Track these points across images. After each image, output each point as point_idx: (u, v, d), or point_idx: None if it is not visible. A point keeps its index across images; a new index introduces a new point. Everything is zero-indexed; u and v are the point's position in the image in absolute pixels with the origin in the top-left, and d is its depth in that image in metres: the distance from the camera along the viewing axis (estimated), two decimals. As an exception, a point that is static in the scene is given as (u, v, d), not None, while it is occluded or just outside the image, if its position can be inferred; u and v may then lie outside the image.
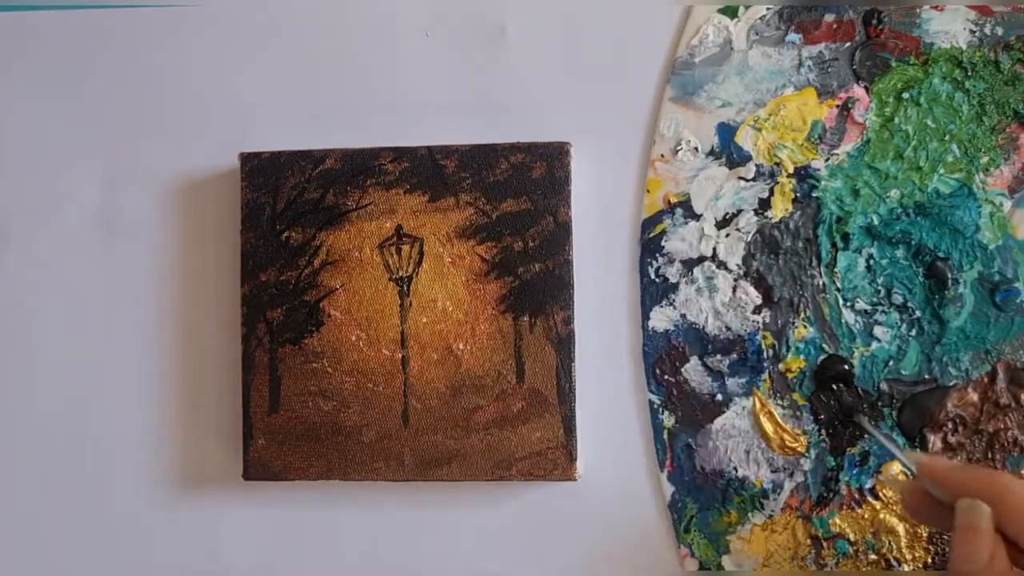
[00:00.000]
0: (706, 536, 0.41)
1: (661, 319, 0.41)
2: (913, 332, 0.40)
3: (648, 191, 0.42)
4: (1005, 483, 0.31)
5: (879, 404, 0.40)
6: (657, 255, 0.41)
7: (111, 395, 0.44)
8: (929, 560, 0.40)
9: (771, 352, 0.41)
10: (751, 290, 0.41)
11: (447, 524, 0.42)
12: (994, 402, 0.40)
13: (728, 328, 0.41)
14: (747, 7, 0.41)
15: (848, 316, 0.40)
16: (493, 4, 0.43)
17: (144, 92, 0.44)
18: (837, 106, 0.41)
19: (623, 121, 0.42)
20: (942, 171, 0.40)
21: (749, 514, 0.40)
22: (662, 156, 0.42)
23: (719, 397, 0.41)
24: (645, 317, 0.41)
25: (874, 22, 0.41)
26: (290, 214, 0.41)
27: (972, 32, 0.40)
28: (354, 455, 0.41)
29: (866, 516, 0.40)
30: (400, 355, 0.41)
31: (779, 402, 0.40)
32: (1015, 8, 0.40)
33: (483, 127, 0.42)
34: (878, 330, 0.40)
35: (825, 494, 0.40)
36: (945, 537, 0.39)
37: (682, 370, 0.41)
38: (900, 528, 0.40)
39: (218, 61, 0.44)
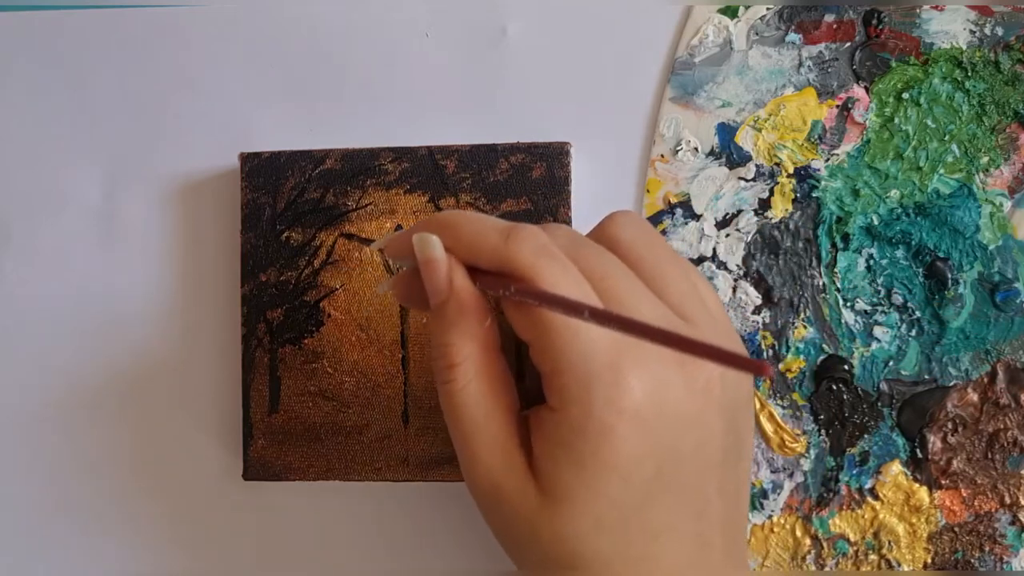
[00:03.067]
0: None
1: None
2: (913, 332, 0.40)
3: (648, 191, 0.42)
4: (444, 214, 0.32)
5: (879, 404, 0.40)
6: (657, 255, 0.41)
7: (110, 395, 0.44)
8: (929, 560, 0.40)
9: (771, 352, 0.41)
10: (751, 290, 0.41)
11: (447, 524, 0.42)
12: (994, 402, 0.40)
13: (728, 328, 0.41)
14: (747, 7, 0.41)
15: (848, 316, 0.40)
16: (493, 4, 0.43)
17: (144, 92, 0.44)
18: (837, 106, 0.41)
19: (623, 121, 0.42)
20: (942, 171, 0.40)
21: (749, 514, 0.40)
22: (662, 156, 0.42)
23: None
24: (645, 317, 0.41)
25: (874, 22, 0.41)
26: (290, 214, 0.41)
27: (972, 32, 0.40)
28: (354, 455, 0.41)
29: (866, 516, 0.40)
30: (400, 355, 0.41)
31: (779, 402, 0.40)
32: (1015, 8, 0.40)
33: (483, 127, 0.42)
34: (878, 330, 0.40)
35: (825, 494, 0.40)
36: (945, 537, 0.40)
37: (682, 370, 0.41)
38: (900, 528, 0.40)
39: (218, 61, 0.44)
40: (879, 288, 0.40)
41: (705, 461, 0.31)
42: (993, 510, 0.39)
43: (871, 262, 0.41)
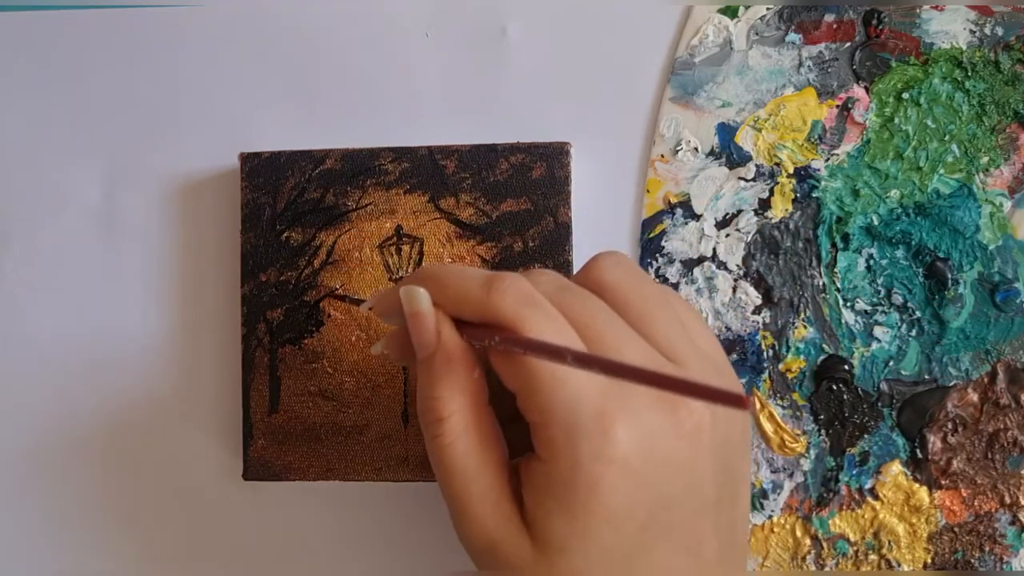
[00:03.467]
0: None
1: (661, 319, 0.41)
2: (913, 332, 0.40)
3: (648, 191, 0.42)
4: (429, 268, 0.32)
5: (879, 404, 0.40)
6: (657, 255, 0.42)
7: (110, 395, 0.44)
8: (929, 560, 0.40)
9: (771, 352, 0.41)
10: (751, 290, 0.41)
11: (447, 524, 0.42)
12: (994, 402, 0.40)
13: (728, 328, 0.41)
14: (747, 7, 0.41)
15: (848, 316, 0.40)
16: (493, 4, 0.43)
17: (144, 92, 0.44)
18: (837, 106, 0.41)
19: (623, 121, 0.42)
20: (942, 171, 0.40)
21: (749, 514, 0.40)
22: (662, 156, 0.42)
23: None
24: (645, 317, 0.41)
25: (874, 22, 0.41)
26: (290, 214, 0.41)
27: (972, 32, 0.40)
28: (354, 455, 0.41)
29: (866, 516, 0.40)
30: (400, 355, 0.41)
31: (779, 402, 0.41)
32: (1015, 8, 0.40)
33: (483, 127, 0.42)
34: (878, 330, 0.40)
35: (825, 494, 0.40)
36: (945, 537, 0.40)
37: (682, 370, 0.41)
38: (900, 528, 0.40)
39: (218, 61, 0.44)
40: (879, 288, 0.40)
41: (698, 503, 0.30)
42: (993, 510, 0.39)
43: (871, 262, 0.41)
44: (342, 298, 0.40)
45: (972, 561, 0.39)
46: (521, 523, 0.30)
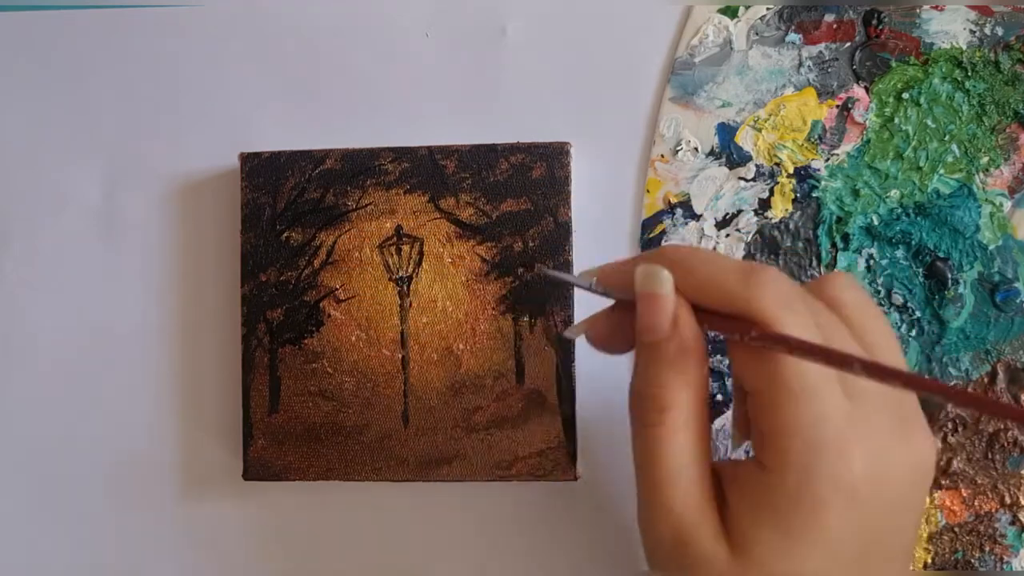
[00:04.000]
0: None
1: (661, 319, 0.41)
2: (913, 332, 0.40)
3: (648, 191, 0.42)
4: (676, 249, 0.31)
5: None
6: (657, 255, 0.41)
7: (110, 395, 0.44)
8: (929, 560, 0.40)
9: (771, 352, 0.41)
10: (751, 290, 0.41)
11: (447, 524, 0.42)
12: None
13: (728, 328, 0.41)
14: (747, 7, 0.41)
15: (848, 316, 0.40)
16: (493, 4, 0.43)
17: (144, 92, 0.44)
18: (837, 106, 0.41)
19: (623, 121, 0.42)
20: (942, 171, 0.40)
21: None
22: (662, 156, 0.42)
23: (719, 397, 0.41)
24: (645, 317, 0.41)
25: (874, 22, 0.41)
26: (290, 214, 0.41)
27: (972, 32, 0.40)
28: (354, 455, 0.41)
29: (866, 516, 0.40)
30: (400, 355, 0.41)
31: (779, 402, 0.40)
32: (1015, 8, 0.40)
33: (483, 127, 0.42)
34: (878, 330, 0.40)
35: (825, 494, 0.40)
36: (945, 537, 0.39)
37: (682, 370, 0.41)
38: (900, 528, 0.40)
39: (218, 61, 0.44)
40: (879, 288, 0.40)
41: (905, 541, 0.30)
42: (993, 510, 0.39)
43: (871, 262, 0.41)
44: (547, 275, 0.37)
45: (972, 561, 0.39)
46: (720, 525, 0.29)
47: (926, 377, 0.26)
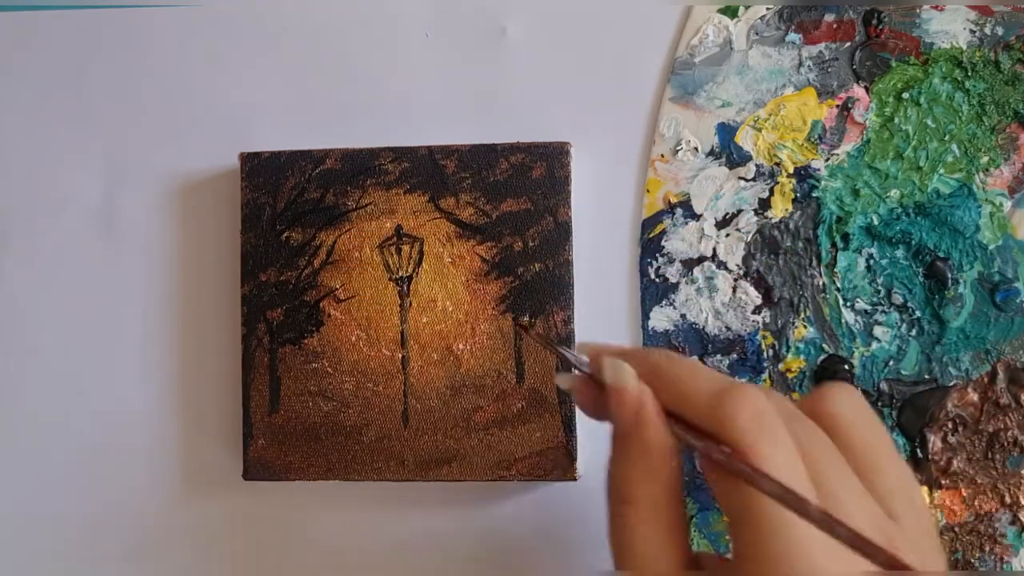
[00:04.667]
0: (706, 536, 0.41)
1: (661, 319, 0.41)
2: (913, 332, 0.40)
3: (648, 191, 0.42)
4: (660, 356, 0.30)
5: (879, 404, 0.40)
6: (657, 255, 0.41)
7: (110, 395, 0.44)
8: (929, 560, 0.40)
9: (771, 352, 0.41)
10: (751, 290, 0.41)
11: (447, 524, 0.42)
12: (994, 402, 0.40)
13: (728, 328, 0.41)
14: (747, 7, 0.41)
15: (848, 316, 0.40)
16: (493, 4, 0.43)
17: (144, 92, 0.44)
18: (837, 106, 0.41)
19: (623, 121, 0.42)
20: (942, 171, 0.40)
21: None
22: (662, 156, 0.42)
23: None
24: (645, 317, 0.41)
25: (874, 22, 0.41)
26: (290, 214, 0.41)
27: (972, 32, 0.40)
28: (354, 455, 0.41)
29: (866, 516, 0.40)
30: (400, 355, 0.41)
31: (779, 402, 0.40)
32: (1015, 8, 0.40)
33: (483, 127, 0.42)
34: (878, 330, 0.40)
35: (825, 494, 0.40)
36: (945, 537, 0.39)
37: (682, 370, 0.41)
38: (900, 528, 0.40)
39: (218, 61, 0.44)
40: (879, 288, 0.40)
41: None
42: (993, 510, 0.39)
43: (871, 262, 0.41)
44: (549, 344, 0.37)
45: (972, 561, 0.39)
46: None
47: (868, 539, 0.26)
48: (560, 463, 0.40)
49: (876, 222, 0.40)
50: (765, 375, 0.41)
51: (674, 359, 0.30)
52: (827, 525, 0.26)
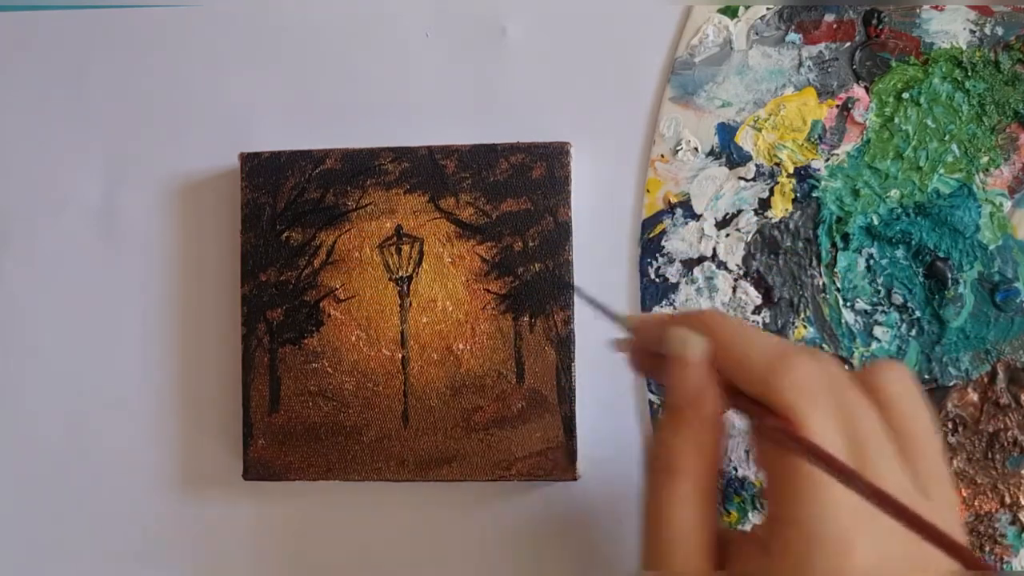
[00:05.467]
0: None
1: (661, 319, 0.41)
2: (913, 332, 0.40)
3: (648, 191, 0.42)
4: (719, 318, 0.30)
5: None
6: (657, 255, 0.42)
7: (110, 395, 0.44)
8: (929, 560, 0.40)
9: (771, 352, 0.41)
10: (751, 290, 0.41)
11: (447, 524, 0.42)
12: (994, 402, 0.40)
13: (728, 328, 0.41)
14: (747, 7, 0.41)
15: (848, 316, 0.40)
16: (493, 4, 0.43)
17: (144, 92, 0.44)
18: (837, 106, 0.41)
19: (623, 121, 0.42)
20: (942, 171, 0.40)
21: (749, 514, 0.40)
22: (662, 156, 0.42)
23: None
24: (645, 317, 0.41)
25: (874, 22, 0.41)
26: (290, 214, 0.41)
27: (972, 32, 0.40)
28: (354, 455, 0.41)
29: (866, 516, 0.40)
30: (400, 355, 0.41)
31: (779, 402, 0.40)
32: (1015, 8, 0.40)
33: (483, 127, 0.42)
34: (878, 330, 0.40)
35: (825, 494, 0.40)
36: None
37: (682, 370, 0.41)
38: (900, 528, 0.40)
39: (218, 61, 0.44)
40: (879, 288, 0.40)
41: None
42: (993, 510, 0.39)
43: (871, 262, 0.41)
44: (591, 302, 0.37)
45: (972, 561, 0.39)
46: None
47: (924, 518, 0.26)
48: (560, 463, 0.40)
49: (876, 222, 0.40)
50: (765, 375, 0.41)
51: (730, 322, 0.31)
52: (876, 499, 0.26)
